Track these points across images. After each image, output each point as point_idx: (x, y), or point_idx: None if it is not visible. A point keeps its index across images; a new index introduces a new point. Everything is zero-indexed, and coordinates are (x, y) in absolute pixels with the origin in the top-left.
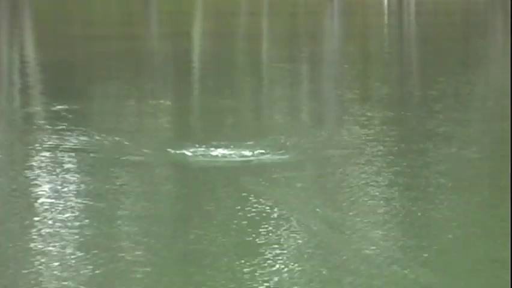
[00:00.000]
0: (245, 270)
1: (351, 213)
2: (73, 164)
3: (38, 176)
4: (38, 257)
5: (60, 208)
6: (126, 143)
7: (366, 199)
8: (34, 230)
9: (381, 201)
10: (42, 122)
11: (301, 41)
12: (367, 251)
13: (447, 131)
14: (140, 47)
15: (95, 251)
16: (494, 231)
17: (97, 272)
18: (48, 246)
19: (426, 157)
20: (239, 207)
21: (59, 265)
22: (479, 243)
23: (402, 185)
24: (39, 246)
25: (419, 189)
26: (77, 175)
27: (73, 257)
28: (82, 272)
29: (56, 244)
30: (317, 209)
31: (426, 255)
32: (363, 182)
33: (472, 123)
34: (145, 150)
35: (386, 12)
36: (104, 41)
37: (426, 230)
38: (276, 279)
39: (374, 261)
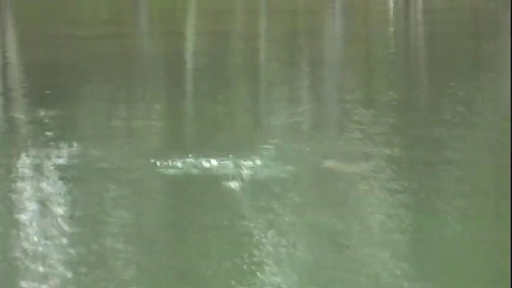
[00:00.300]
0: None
1: (355, 229)
2: (57, 177)
3: (21, 189)
4: (24, 277)
5: (45, 225)
6: (113, 153)
7: (371, 213)
8: (18, 248)
9: (388, 215)
10: (26, 129)
11: (301, 41)
12: (372, 269)
13: (459, 140)
14: (130, 47)
15: (84, 270)
16: (508, 249)
17: None
18: (34, 266)
19: (436, 168)
20: (236, 222)
21: (46, 287)
22: (491, 261)
23: (411, 198)
24: (24, 266)
25: (428, 202)
26: (61, 189)
27: (60, 276)
28: None
29: (42, 264)
30: (319, 225)
31: (435, 274)
32: (369, 194)
33: (485, 130)
34: (134, 162)
35: (391, 9)
36: (92, 41)
37: (436, 247)
38: None
39: (380, 279)
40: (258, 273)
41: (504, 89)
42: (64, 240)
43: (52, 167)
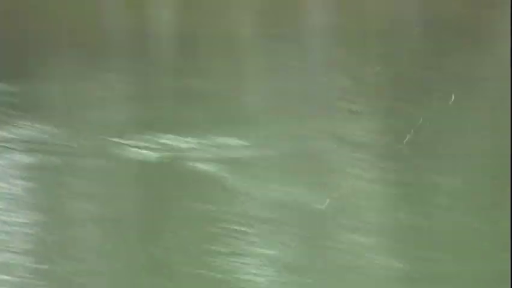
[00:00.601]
0: (215, 279)
1: (339, 212)
2: (16, 162)
3: None
4: None
5: (5, 213)
6: (74, 134)
7: (355, 196)
8: None
9: (373, 203)
10: None
11: (285, 10)
12: (354, 259)
13: (451, 122)
14: (96, 17)
15: (57, 260)
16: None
17: (55, 285)
18: None
19: (424, 151)
20: (210, 208)
21: (13, 277)
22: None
23: (398, 185)
24: None
25: (412, 187)
26: (22, 174)
27: (26, 267)
28: (38, 284)
29: (5, 254)
30: (301, 209)
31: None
32: (352, 178)
33: (481, 114)
34: (96, 142)
35: None
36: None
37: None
38: None
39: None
40: (232, 260)
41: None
42: (26, 230)
43: (9, 154)
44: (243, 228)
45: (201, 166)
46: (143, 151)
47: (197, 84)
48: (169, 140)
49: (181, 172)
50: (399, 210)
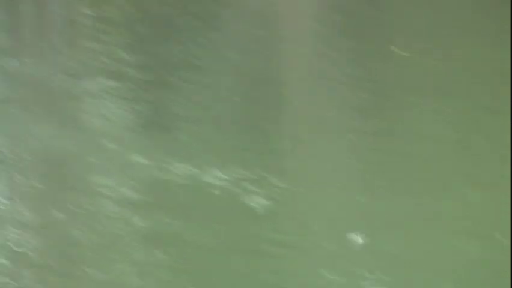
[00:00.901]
0: None
1: (88, 152)
2: None
3: None
4: None
5: None
6: None
7: (105, 136)
8: None
9: (128, 145)
10: None
11: None
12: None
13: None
14: None
15: None
16: None
17: None
18: None
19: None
20: None
21: None
22: None
23: (155, 129)
24: None
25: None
26: None
27: None
28: None
29: None
30: (45, 151)
31: None
32: (102, 118)
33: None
34: None
35: None
36: None
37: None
38: None
39: None
40: None
41: None
42: None
43: None
44: None
45: None
46: None
47: None
48: None
49: None
50: (159, 158)
